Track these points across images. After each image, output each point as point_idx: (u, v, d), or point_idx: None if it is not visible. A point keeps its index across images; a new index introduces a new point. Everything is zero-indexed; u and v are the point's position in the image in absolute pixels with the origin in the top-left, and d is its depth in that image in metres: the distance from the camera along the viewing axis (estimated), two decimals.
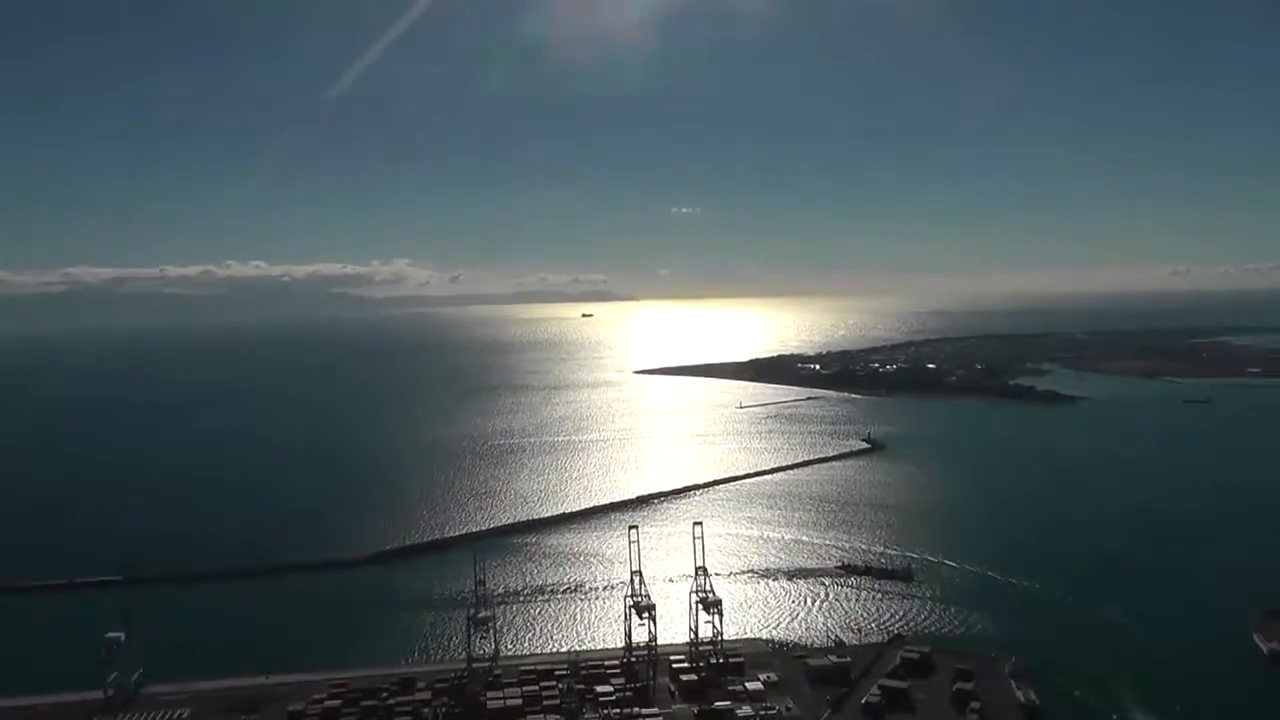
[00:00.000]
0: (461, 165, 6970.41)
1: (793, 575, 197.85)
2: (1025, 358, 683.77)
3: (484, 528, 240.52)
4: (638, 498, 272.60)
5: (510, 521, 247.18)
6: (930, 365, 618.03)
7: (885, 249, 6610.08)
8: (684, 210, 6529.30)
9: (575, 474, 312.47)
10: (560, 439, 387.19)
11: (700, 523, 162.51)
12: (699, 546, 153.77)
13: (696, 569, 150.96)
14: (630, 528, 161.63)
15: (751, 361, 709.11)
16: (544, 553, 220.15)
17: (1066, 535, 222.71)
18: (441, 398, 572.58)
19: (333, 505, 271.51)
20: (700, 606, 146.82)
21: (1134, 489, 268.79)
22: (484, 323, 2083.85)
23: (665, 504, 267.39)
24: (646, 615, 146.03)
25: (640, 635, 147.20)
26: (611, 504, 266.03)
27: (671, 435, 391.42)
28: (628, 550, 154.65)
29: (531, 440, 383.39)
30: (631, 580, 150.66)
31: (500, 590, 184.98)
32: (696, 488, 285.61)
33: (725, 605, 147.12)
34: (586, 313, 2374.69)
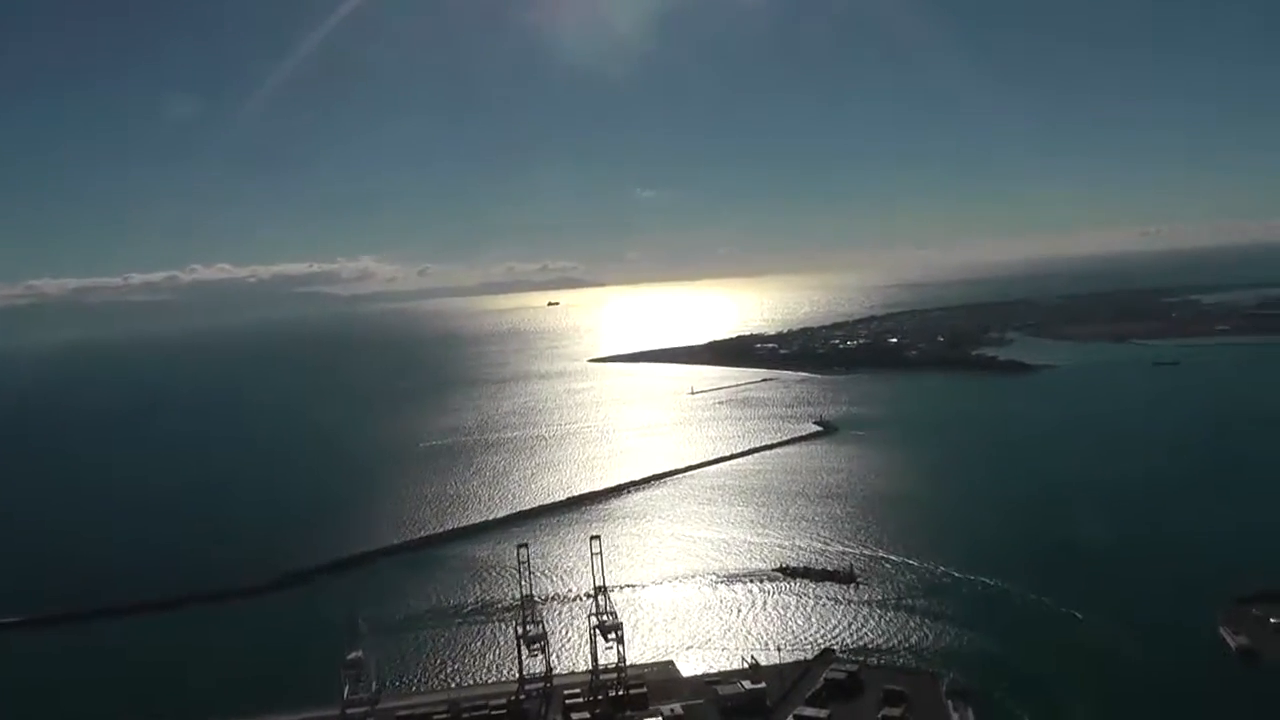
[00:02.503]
0: (424, 159, 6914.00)
1: (723, 581, 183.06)
2: (990, 327, 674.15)
3: (380, 546, 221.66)
4: (545, 505, 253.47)
5: (408, 539, 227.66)
6: (892, 340, 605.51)
7: (854, 224, 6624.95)
8: (647, 193, 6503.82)
9: (502, 477, 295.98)
10: (499, 436, 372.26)
11: (598, 537, 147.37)
12: (597, 564, 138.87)
13: (595, 589, 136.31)
14: (519, 546, 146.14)
15: (710, 344, 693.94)
16: (446, 570, 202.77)
17: (1022, 520, 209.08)
18: (392, 396, 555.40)
19: (239, 523, 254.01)
20: (599, 632, 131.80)
21: (1097, 463, 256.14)
22: (450, 315, 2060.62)
23: (590, 508, 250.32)
24: (538, 646, 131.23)
25: (537, 666, 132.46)
26: (527, 510, 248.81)
27: (614, 429, 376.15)
28: (518, 570, 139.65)
29: (467, 440, 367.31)
30: (522, 605, 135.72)
31: (384, 619, 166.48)
32: (629, 486, 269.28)
33: (643, 623, 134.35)
34: (552, 301, 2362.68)
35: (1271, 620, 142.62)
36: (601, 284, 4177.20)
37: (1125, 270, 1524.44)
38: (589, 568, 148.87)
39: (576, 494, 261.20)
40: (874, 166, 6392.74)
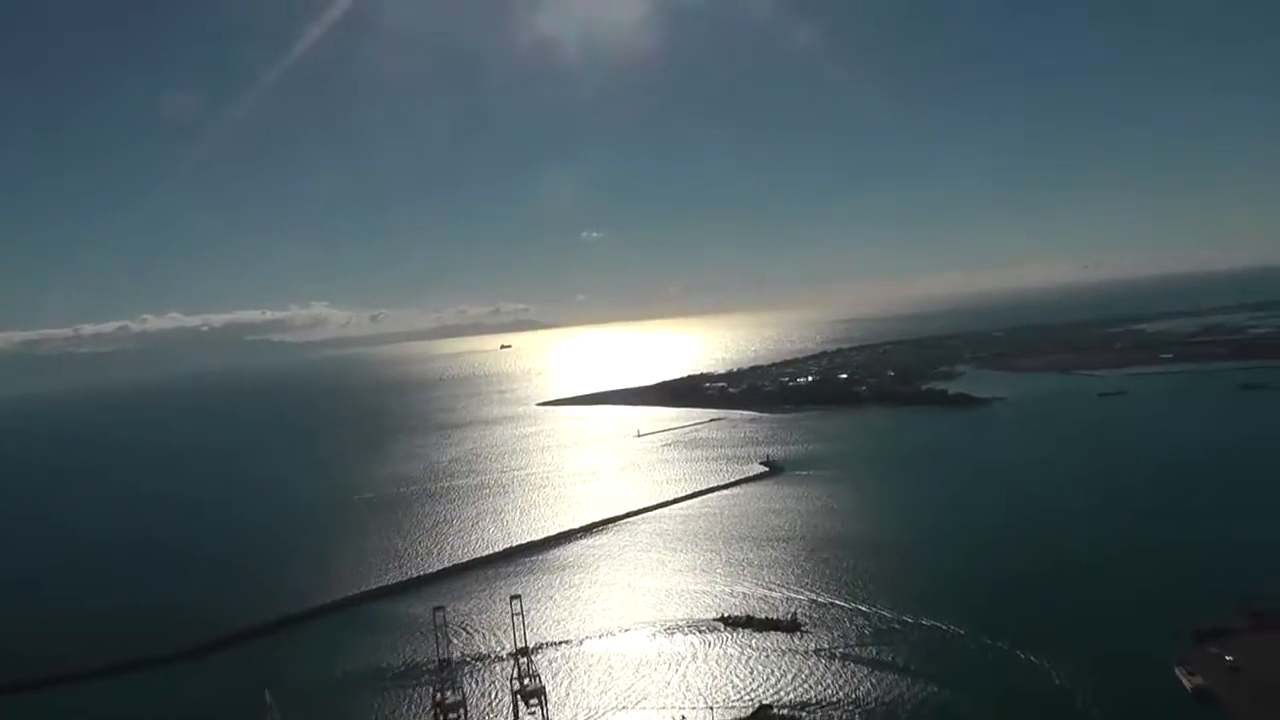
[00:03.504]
0: (375, 205, 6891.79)
1: (662, 633, 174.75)
2: (938, 361, 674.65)
3: (305, 607, 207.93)
4: (477, 559, 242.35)
5: (333, 599, 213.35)
6: (842, 376, 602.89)
7: (804, 261, 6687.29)
8: (594, 235, 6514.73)
9: (438, 529, 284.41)
10: (441, 485, 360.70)
11: (519, 596, 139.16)
12: (519, 624, 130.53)
13: (517, 651, 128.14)
14: (435, 608, 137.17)
15: (659, 385, 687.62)
16: (371, 632, 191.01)
17: (975, 558, 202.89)
18: (337, 445, 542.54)
19: (158, 587, 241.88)
20: (520, 697, 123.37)
21: (1046, 496, 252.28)
22: (402, 361, 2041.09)
23: (526, 559, 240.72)
24: (455, 715, 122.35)
25: None
26: (460, 564, 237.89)
27: (558, 475, 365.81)
28: (435, 633, 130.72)
29: (408, 490, 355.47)
30: (439, 670, 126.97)
31: (299, 689, 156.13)
32: (568, 535, 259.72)
33: (574, 684, 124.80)
34: (505, 344, 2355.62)
35: (1227, 658, 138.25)
36: (555, 325, 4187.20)
37: (1070, 302, 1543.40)
38: (513, 627, 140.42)
39: (513, 545, 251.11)
40: (820, 205, 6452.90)
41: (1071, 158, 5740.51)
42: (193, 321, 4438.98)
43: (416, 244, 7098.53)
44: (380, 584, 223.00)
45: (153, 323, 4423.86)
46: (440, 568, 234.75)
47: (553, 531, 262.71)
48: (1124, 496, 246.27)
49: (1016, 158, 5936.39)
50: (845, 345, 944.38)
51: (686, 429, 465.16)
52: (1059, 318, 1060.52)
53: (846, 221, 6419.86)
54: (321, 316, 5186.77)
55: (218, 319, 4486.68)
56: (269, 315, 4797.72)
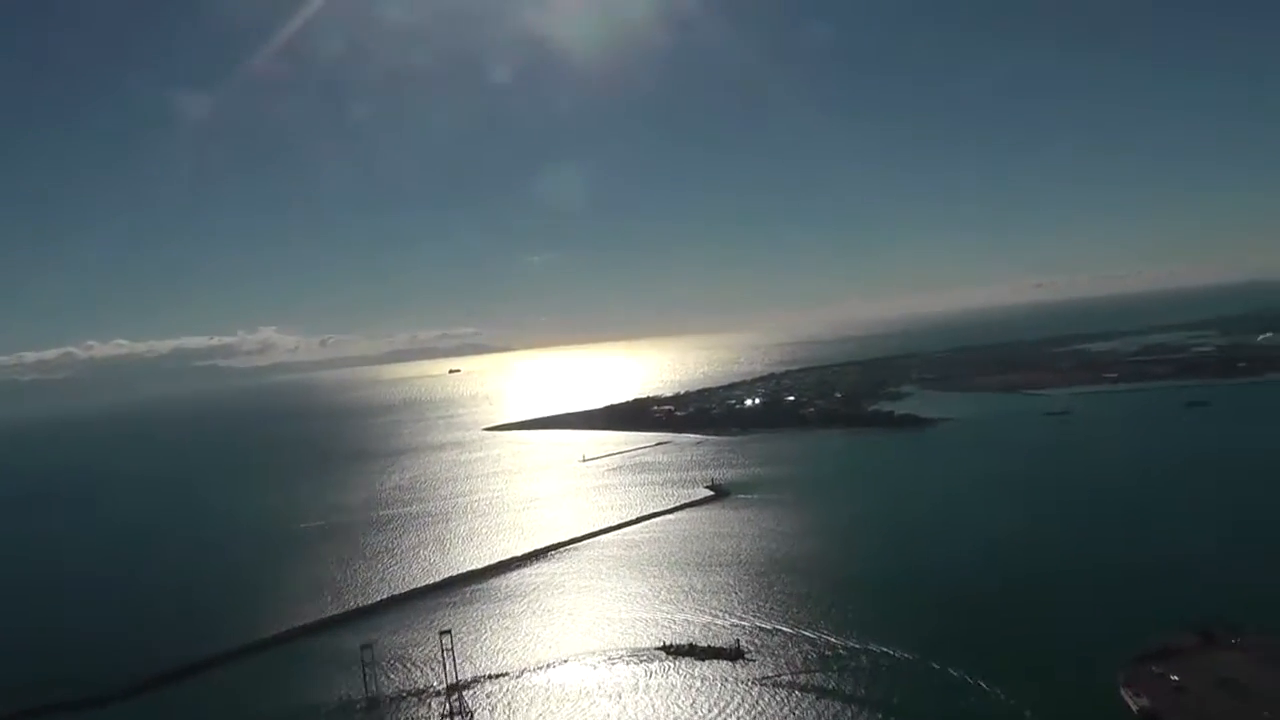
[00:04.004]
0: (323, 229, 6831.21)
1: (602, 664, 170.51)
2: (886, 382, 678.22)
3: (234, 646, 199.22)
4: (413, 590, 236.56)
5: (261, 637, 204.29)
6: (789, 398, 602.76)
7: (754, 283, 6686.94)
8: (538, 258, 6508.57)
9: (376, 559, 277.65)
10: (383, 514, 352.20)
11: (449, 631, 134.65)
12: (449, 659, 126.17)
13: (448, 688, 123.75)
14: (363, 646, 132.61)
15: (607, 408, 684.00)
16: (300, 672, 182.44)
17: (923, 581, 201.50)
18: (280, 473, 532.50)
19: (76, 627, 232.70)
20: None
21: (993, 517, 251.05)
22: (351, 386, 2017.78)
23: (463, 590, 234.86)
24: None
25: None
26: (396, 597, 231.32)
27: (501, 502, 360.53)
28: (362, 671, 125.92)
29: (349, 519, 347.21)
30: (367, 709, 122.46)
31: None
32: (508, 565, 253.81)
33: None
34: (454, 368, 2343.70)
35: (1173, 678, 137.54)
36: (505, 349, 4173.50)
37: (1016, 322, 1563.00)
38: (444, 663, 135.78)
39: (451, 575, 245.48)
40: (768, 227, 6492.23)
41: (1019, 180, 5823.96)
42: (139, 348, 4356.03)
43: (366, 268, 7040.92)
44: (314, 618, 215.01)
45: (98, 349, 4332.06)
46: (375, 600, 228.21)
47: (493, 560, 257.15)
48: (1071, 516, 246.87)
49: (967, 180, 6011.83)
50: (793, 367, 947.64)
51: (632, 453, 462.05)
52: (1005, 337, 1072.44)
53: (795, 244, 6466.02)
54: (269, 341, 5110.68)
55: (164, 345, 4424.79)
56: (216, 341, 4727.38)
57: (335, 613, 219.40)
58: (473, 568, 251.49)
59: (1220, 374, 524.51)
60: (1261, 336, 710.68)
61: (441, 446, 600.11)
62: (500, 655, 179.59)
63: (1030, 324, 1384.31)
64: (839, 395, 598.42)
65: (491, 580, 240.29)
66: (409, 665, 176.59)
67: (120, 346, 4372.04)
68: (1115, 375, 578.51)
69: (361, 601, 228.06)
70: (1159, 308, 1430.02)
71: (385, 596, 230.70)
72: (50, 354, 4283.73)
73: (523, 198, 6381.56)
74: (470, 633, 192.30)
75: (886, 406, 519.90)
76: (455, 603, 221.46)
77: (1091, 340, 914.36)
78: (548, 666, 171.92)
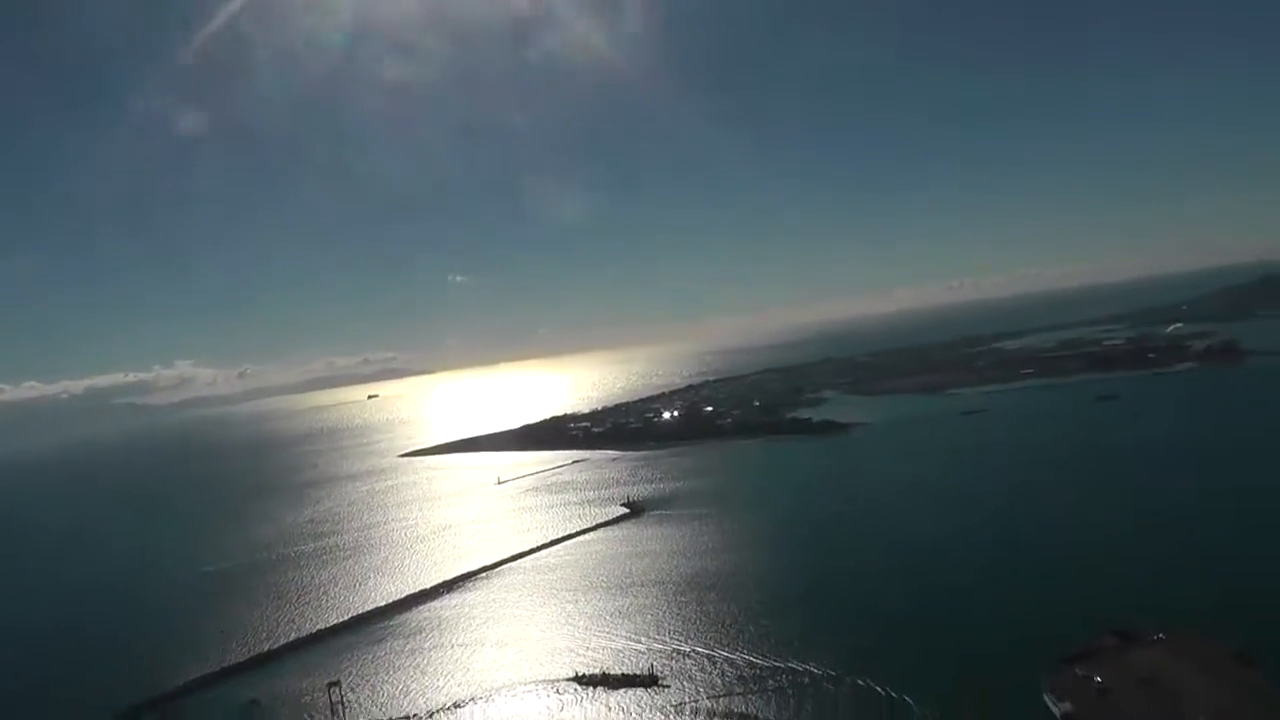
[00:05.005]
0: (234, 257, 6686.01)
1: (510, 698, 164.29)
2: (804, 388, 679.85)
3: (120, 708, 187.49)
4: (303, 638, 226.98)
5: (152, 695, 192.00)
6: (707, 409, 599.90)
7: (671, 296, 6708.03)
8: (459, 278, 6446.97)
9: (274, 604, 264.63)
10: (290, 551, 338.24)
11: (338, 682, 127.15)
12: (338, 711, 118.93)
13: None
14: (250, 702, 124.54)
15: (523, 428, 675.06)
16: None
17: (842, 592, 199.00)
18: (188, 512, 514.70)
19: None
20: None
21: (910, 522, 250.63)
22: (269, 417, 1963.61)
23: (361, 631, 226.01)
24: None
25: None
26: (282, 647, 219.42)
27: (411, 531, 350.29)
28: None
29: (256, 558, 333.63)
30: None
31: None
32: (411, 601, 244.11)
33: None
34: (372, 394, 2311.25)
35: (1096, 680, 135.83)
36: (424, 372, 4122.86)
37: (933, 323, 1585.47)
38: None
39: (355, 614, 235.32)
40: (684, 239, 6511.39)
41: (931, 186, 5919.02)
42: (52, 389, 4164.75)
43: (281, 295, 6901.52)
44: (199, 673, 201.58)
45: (9, 393, 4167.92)
46: (271, 647, 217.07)
47: (401, 595, 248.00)
48: (987, 517, 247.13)
49: (881, 184, 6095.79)
50: (712, 377, 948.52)
51: (548, 473, 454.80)
52: (923, 339, 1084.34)
53: (713, 255, 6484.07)
54: (187, 376, 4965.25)
55: (77, 385, 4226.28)
56: (132, 377, 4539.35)
57: (227, 664, 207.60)
58: (380, 604, 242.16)
59: (1131, 366, 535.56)
60: (1171, 327, 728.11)
61: (356, 476, 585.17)
62: (401, 699, 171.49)
63: (947, 325, 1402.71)
64: (757, 404, 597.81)
65: (400, 616, 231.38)
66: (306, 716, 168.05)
67: (33, 389, 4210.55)
68: (1031, 371, 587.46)
69: (257, 649, 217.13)
70: (1073, 305, 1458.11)
71: (283, 642, 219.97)
72: None
73: (439, 219, 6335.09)
74: (370, 676, 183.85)
75: (805, 413, 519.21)
76: (360, 643, 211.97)
77: (1008, 338, 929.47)
78: (452, 707, 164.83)
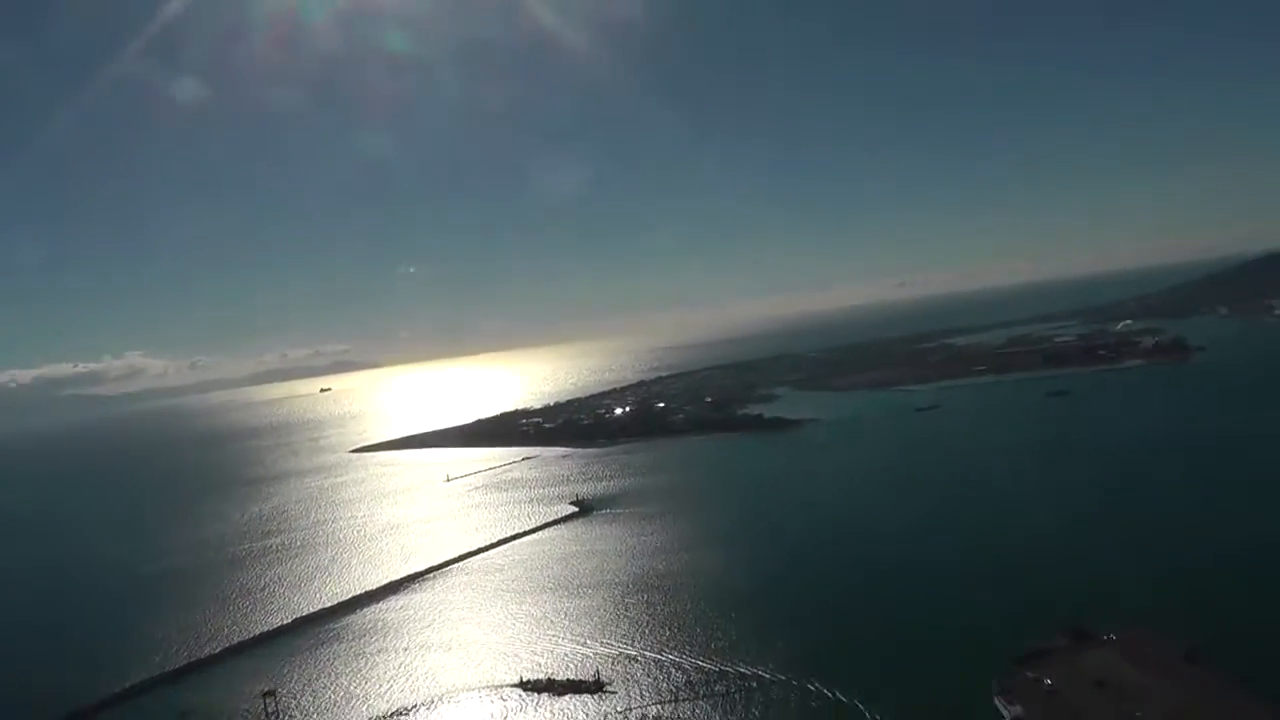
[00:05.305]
0: (187, 245, 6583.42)
1: (452, 706, 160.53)
2: (756, 384, 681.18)
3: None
4: (242, 642, 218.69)
5: (80, 706, 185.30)
6: (659, 405, 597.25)
7: (625, 289, 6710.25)
8: (411, 269, 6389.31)
9: (218, 605, 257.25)
10: (235, 552, 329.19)
11: (273, 692, 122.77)
12: None
13: None
14: (181, 714, 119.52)
15: (475, 424, 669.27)
16: None
17: (792, 592, 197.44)
18: (131, 509, 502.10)
19: None
20: None
21: (860, 519, 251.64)
22: (220, 410, 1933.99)
23: (299, 635, 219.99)
24: None
25: None
26: (214, 655, 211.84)
27: (357, 531, 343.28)
28: None
29: (199, 559, 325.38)
30: None
31: None
32: (355, 603, 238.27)
33: None
34: (325, 387, 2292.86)
35: (1046, 682, 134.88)
36: (377, 365, 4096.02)
37: (884, 320, 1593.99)
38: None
39: (296, 617, 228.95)
40: (636, 233, 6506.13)
41: (881, 182, 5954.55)
42: (0, 379, 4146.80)
43: (232, 286, 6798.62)
44: (129, 682, 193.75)
45: None
46: (208, 654, 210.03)
47: (345, 597, 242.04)
48: (939, 515, 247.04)
49: (832, 181, 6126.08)
50: (664, 373, 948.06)
51: (498, 470, 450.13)
52: (875, 335, 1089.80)
53: (667, 249, 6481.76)
54: (137, 366, 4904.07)
55: (25, 375, 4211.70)
56: (81, 368, 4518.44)
57: (159, 672, 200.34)
58: (323, 606, 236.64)
59: (1082, 362, 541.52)
60: (1120, 324, 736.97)
61: (306, 472, 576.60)
62: (341, 706, 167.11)
63: (899, 321, 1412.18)
64: (709, 400, 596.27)
65: (344, 618, 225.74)
66: None
67: None
68: (983, 368, 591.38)
69: (193, 655, 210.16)
70: (1025, 301, 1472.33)
71: (222, 647, 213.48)
72: None
73: (394, 209, 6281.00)
74: (309, 683, 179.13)
75: (756, 409, 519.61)
76: (302, 646, 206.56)
77: (959, 334, 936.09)
78: (394, 715, 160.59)
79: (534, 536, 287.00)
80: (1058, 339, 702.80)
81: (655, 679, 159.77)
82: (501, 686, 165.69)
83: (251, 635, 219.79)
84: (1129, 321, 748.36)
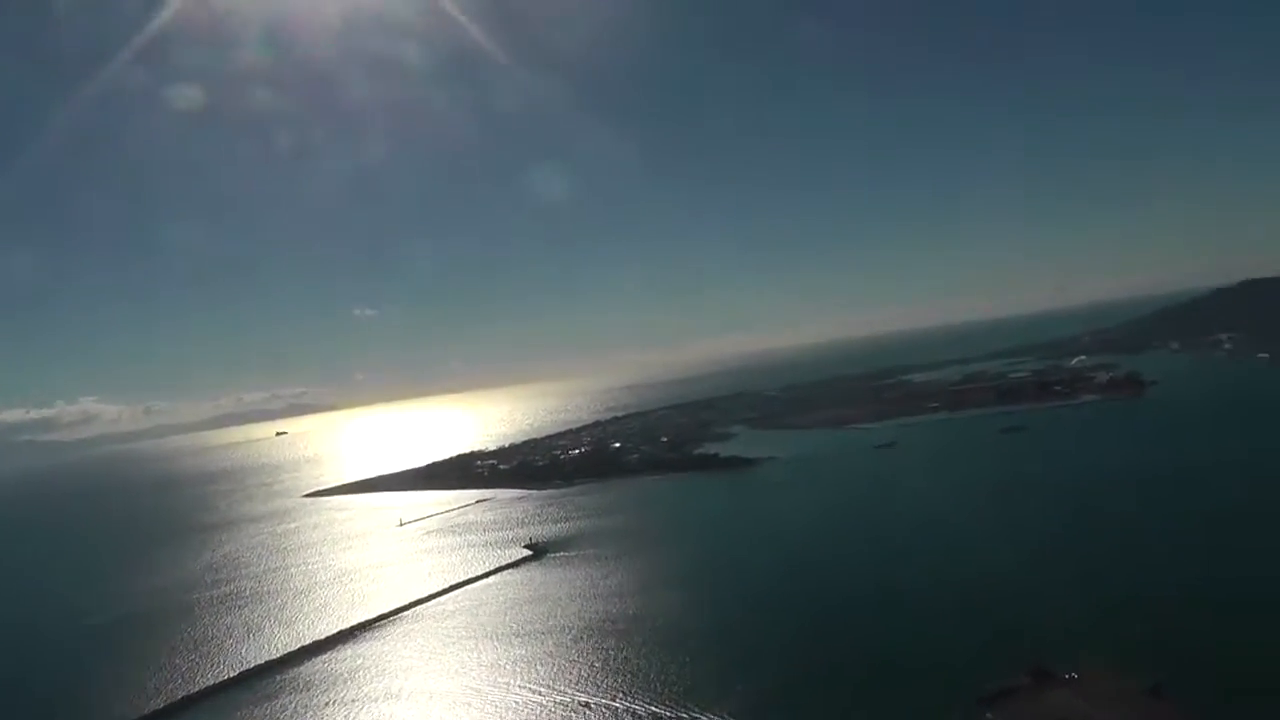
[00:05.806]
0: (138, 289, 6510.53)
1: None
2: (713, 423, 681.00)
3: None
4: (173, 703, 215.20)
5: None
6: (615, 445, 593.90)
7: (584, 330, 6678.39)
8: (368, 312, 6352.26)
9: (150, 662, 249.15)
10: (184, 600, 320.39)
11: None
12: None
13: None
14: None
15: (428, 467, 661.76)
16: None
17: (748, 635, 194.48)
18: (75, 560, 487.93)
19: None
20: None
21: (816, 559, 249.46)
22: (175, 455, 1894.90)
23: (235, 694, 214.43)
24: None
25: None
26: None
27: (308, 578, 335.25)
28: None
29: (143, 609, 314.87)
30: None
31: None
32: (300, 655, 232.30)
33: None
34: (281, 430, 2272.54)
35: None
36: (334, 408, 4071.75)
37: (844, 357, 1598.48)
38: None
39: (234, 673, 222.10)
40: (594, 272, 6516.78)
41: (835, 222, 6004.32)
42: None
43: (186, 330, 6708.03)
44: None
45: None
46: (149, 709, 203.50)
47: (289, 648, 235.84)
48: (898, 553, 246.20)
49: (789, 219, 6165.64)
50: (620, 413, 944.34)
51: (452, 513, 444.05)
52: (834, 372, 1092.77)
53: (625, 289, 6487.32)
54: (91, 412, 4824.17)
55: None
56: (34, 414, 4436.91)
57: None
58: (271, 657, 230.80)
59: (1036, 399, 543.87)
60: (1075, 360, 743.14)
61: (259, 517, 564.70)
62: None
63: (855, 358, 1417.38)
64: (665, 440, 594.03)
65: (291, 670, 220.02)
66: None
67: None
68: (937, 405, 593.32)
69: (134, 712, 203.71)
70: (979, 338, 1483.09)
71: (164, 703, 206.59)
72: None
73: (347, 250, 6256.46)
74: None
75: (713, 448, 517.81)
76: (247, 700, 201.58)
77: (916, 371, 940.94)
78: None
79: (487, 581, 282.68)
80: (1012, 375, 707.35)
81: None
82: None
83: (195, 690, 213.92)
84: (1083, 357, 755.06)
